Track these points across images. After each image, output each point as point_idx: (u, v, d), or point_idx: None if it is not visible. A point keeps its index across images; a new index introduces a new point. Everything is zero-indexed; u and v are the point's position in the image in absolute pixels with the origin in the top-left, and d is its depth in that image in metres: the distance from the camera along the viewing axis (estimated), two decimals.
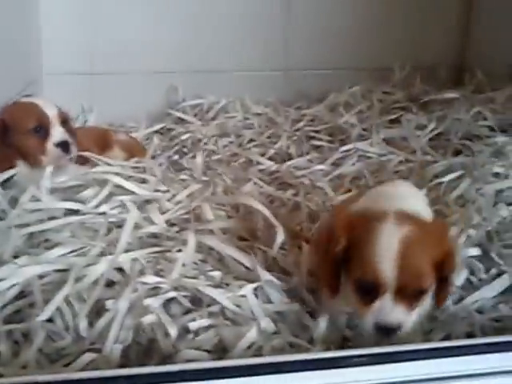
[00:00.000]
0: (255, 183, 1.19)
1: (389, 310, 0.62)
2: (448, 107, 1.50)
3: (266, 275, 0.72)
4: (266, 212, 0.87)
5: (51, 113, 1.05)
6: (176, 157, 1.39)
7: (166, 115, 1.60)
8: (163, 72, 1.65)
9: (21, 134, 1.03)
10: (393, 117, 1.53)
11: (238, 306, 0.67)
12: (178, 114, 1.57)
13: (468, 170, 1.12)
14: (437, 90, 1.64)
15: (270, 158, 1.36)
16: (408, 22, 1.83)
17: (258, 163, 1.32)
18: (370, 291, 0.63)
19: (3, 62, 1.29)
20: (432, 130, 1.41)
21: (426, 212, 0.72)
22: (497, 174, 1.10)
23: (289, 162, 1.31)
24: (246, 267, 0.75)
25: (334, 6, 1.78)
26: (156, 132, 1.52)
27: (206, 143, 1.43)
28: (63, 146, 1.04)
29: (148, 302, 0.66)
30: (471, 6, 1.84)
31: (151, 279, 0.69)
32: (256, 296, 0.70)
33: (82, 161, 1.06)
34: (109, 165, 1.02)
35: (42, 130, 1.04)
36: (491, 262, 0.87)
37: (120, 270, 0.73)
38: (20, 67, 1.43)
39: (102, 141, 1.29)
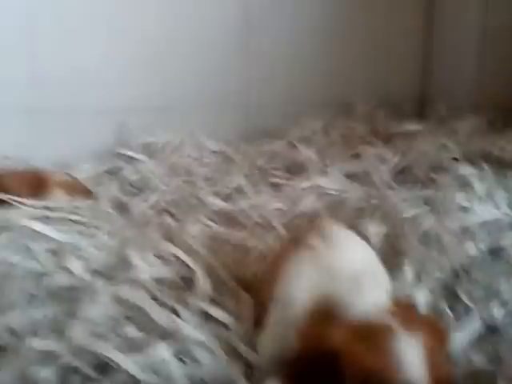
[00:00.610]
0: (205, 225, 1.09)
1: None
2: (412, 140, 1.44)
3: (193, 333, 0.61)
4: (188, 260, 0.77)
5: None
6: (124, 198, 1.29)
7: (115, 154, 1.50)
8: (112, 109, 1.57)
9: None
10: (355, 152, 1.46)
11: (155, 373, 0.56)
12: (129, 153, 1.48)
13: (433, 205, 1.05)
14: (400, 124, 1.58)
15: (225, 198, 1.27)
16: (370, 58, 1.80)
17: (210, 203, 1.23)
18: None
19: None
20: (396, 164, 1.34)
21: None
22: (463, 208, 1.03)
23: (244, 202, 1.21)
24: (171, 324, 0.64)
25: (296, 39, 1.74)
26: (104, 172, 1.42)
27: (156, 183, 1.34)
28: None
29: (39, 371, 0.54)
30: (432, 44, 1.82)
31: (46, 343, 0.57)
32: (181, 360, 0.59)
33: None
34: (28, 206, 0.92)
35: None
36: (459, 303, 0.78)
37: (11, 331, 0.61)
38: None
39: (36, 182, 1.18)
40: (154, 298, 0.74)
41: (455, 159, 1.28)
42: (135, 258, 0.82)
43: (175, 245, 0.93)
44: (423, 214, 1.02)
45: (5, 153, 1.42)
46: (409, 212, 1.04)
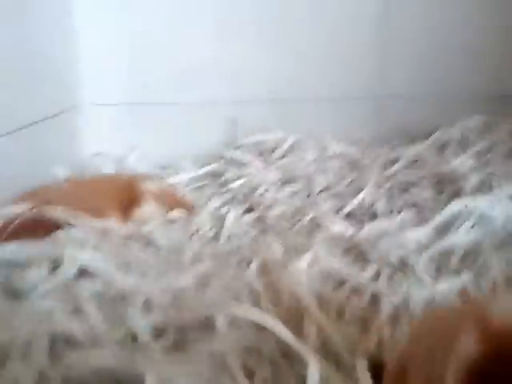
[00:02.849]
0: (320, 256, 0.81)
1: None
2: None
3: None
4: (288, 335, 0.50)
5: None
6: (225, 209, 1.05)
7: (219, 155, 1.28)
8: (219, 102, 1.34)
9: None
10: None
11: None
12: (234, 154, 1.24)
13: None
14: None
15: (348, 215, 0.99)
16: None
17: (330, 224, 0.95)
18: None
19: (37, 86, 1.05)
20: None
21: None
22: None
23: (371, 225, 0.92)
24: None
25: (443, 17, 1.39)
26: (206, 175, 1.20)
27: (263, 193, 1.08)
28: None
29: None
30: None
31: None
32: None
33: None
34: (86, 228, 0.71)
35: None
36: None
37: None
38: (55, 94, 1.19)
39: (125, 191, 0.98)
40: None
41: None
42: (219, 319, 0.57)
43: (275, 289, 0.68)
44: None
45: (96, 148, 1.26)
46: None
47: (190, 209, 1.04)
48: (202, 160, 1.26)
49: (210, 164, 1.21)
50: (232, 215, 0.96)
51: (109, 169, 1.27)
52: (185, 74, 1.34)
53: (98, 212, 0.91)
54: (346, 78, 1.40)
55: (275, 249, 0.83)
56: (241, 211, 1.02)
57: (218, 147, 1.31)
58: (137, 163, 1.29)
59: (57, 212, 0.71)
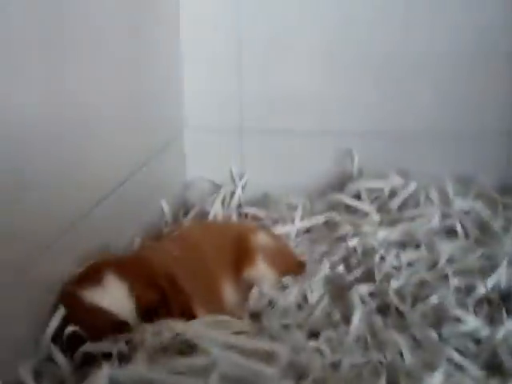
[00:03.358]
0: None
1: None
2: None
3: None
4: None
5: None
6: (340, 268, 0.97)
7: (332, 194, 1.19)
8: (331, 132, 1.25)
9: None
10: None
11: None
12: (348, 200, 1.15)
13: None
14: None
15: (478, 303, 0.87)
16: None
17: (457, 314, 0.84)
18: None
19: (141, 117, 1.01)
20: None
21: None
22: None
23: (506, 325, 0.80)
24: None
25: None
26: (315, 225, 1.12)
27: (382, 256, 0.99)
28: None
29: None
30: None
31: None
32: None
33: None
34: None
35: None
36: None
37: None
38: (160, 122, 1.15)
39: (237, 248, 0.92)
40: None
41: None
42: None
43: None
44: None
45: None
46: None
47: (302, 268, 0.98)
48: (312, 193, 1.19)
49: (321, 211, 1.13)
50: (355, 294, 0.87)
51: (211, 198, 1.23)
52: (292, 102, 1.26)
53: (211, 275, 0.88)
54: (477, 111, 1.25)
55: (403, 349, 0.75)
56: (357, 275, 0.95)
57: (331, 182, 1.23)
58: (243, 193, 1.25)
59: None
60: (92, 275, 0.71)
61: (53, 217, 0.73)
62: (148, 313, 0.70)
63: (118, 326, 0.68)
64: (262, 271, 0.92)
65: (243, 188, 1.27)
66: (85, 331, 0.68)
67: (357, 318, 0.80)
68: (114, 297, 0.69)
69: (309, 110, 1.25)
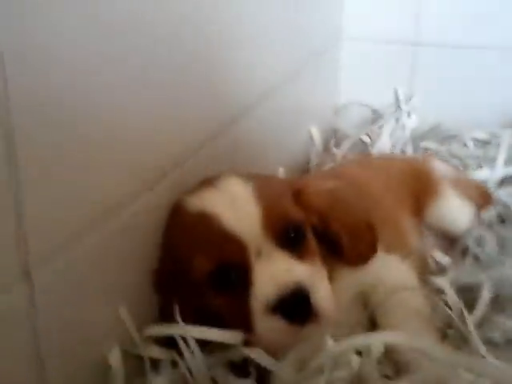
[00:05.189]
0: None
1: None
2: None
3: None
4: None
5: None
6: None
7: None
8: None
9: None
10: None
11: None
12: None
13: None
14: None
15: None
16: None
17: None
18: None
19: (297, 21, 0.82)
20: None
21: None
22: None
23: None
24: None
25: None
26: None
27: None
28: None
29: None
30: None
31: None
32: None
33: None
34: None
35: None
36: None
37: None
38: (317, 29, 0.93)
39: (418, 181, 0.73)
40: None
41: None
42: None
43: None
44: None
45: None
46: None
47: (490, 199, 0.77)
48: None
49: None
50: None
51: (369, 127, 1.01)
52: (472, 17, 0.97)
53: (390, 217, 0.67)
54: None
55: None
56: None
57: None
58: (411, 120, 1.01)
59: None
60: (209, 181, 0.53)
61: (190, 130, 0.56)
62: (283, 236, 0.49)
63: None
64: (449, 205, 0.72)
65: (408, 115, 1.02)
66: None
67: None
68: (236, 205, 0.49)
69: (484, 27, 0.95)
